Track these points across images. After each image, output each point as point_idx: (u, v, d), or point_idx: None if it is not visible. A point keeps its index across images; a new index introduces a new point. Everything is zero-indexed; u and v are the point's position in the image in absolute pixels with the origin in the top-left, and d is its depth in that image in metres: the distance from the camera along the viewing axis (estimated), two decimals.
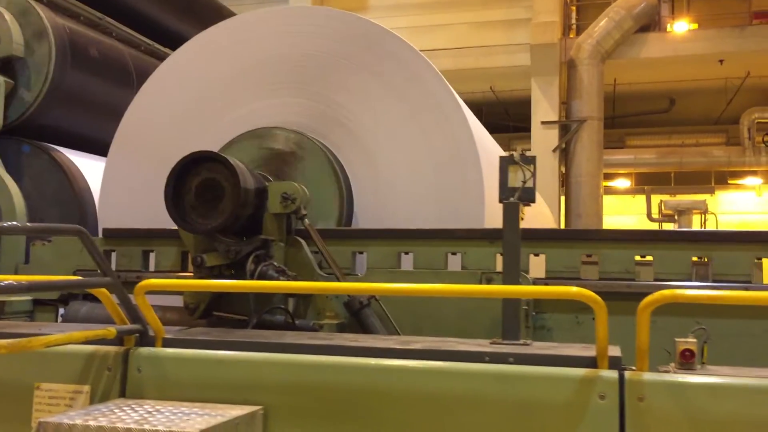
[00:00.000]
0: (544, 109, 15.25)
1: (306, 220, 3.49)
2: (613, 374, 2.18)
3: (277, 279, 3.29)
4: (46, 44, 4.61)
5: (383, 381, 2.35)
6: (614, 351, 2.30)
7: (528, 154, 2.75)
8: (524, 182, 2.69)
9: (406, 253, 3.58)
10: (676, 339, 2.45)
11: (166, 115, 4.49)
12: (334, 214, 3.98)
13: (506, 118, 20.19)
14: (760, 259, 3.17)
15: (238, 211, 3.37)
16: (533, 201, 2.76)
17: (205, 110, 4.41)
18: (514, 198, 2.71)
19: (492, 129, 19.35)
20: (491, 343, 2.58)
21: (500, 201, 2.76)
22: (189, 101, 4.45)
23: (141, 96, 4.56)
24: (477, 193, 3.90)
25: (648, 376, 2.16)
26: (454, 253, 3.50)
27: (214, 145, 4.09)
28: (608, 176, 19.89)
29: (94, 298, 3.97)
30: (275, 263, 3.36)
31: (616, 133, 19.63)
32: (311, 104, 4.20)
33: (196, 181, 3.47)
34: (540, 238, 3.41)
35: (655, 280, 3.27)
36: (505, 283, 2.73)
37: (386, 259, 3.58)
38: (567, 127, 15.27)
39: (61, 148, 4.77)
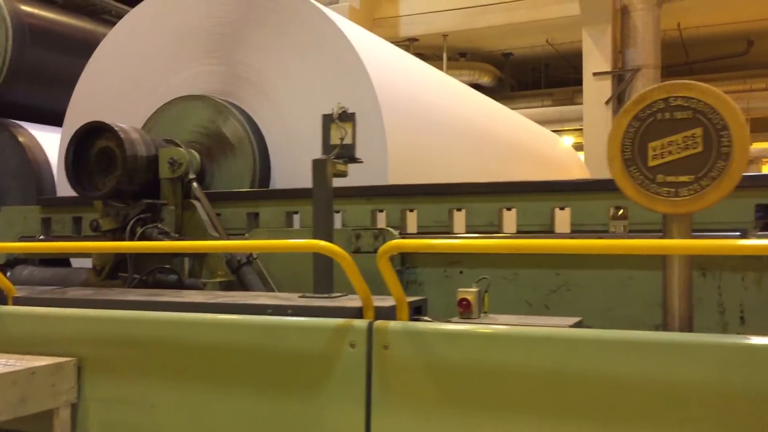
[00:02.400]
0: (596, 60, 14.71)
1: (194, 183, 3.63)
2: (363, 324, 2.22)
3: (158, 240, 3.46)
4: (2, 27, 4.91)
5: (183, 333, 2.49)
6: (383, 302, 2.33)
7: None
8: (342, 139, 2.72)
9: (296, 213, 3.67)
10: (459, 289, 2.46)
11: (110, 87, 4.71)
12: (248, 174, 4.10)
13: (571, 71, 19.59)
14: (619, 208, 3.07)
15: (126, 177, 3.55)
16: (353, 158, 2.78)
17: (141, 81, 4.60)
18: (332, 156, 2.75)
19: (555, 83, 18.84)
20: (299, 297, 2.66)
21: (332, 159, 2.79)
22: (128, 73, 4.65)
23: (88, 69, 4.80)
24: (380, 146, 3.92)
25: (393, 325, 2.19)
26: (337, 211, 3.56)
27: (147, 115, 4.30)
28: None
29: (35, 263, 4.30)
30: (160, 225, 3.53)
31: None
32: (228, 69, 4.31)
33: (95, 150, 3.68)
34: (410, 193, 3.42)
35: (519, 231, 3.23)
36: (315, 238, 2.78)
37: (276, 218, 3.68)
38: (622, 78, 14.69)
39: (26, 123, 5.08)
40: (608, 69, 14.65)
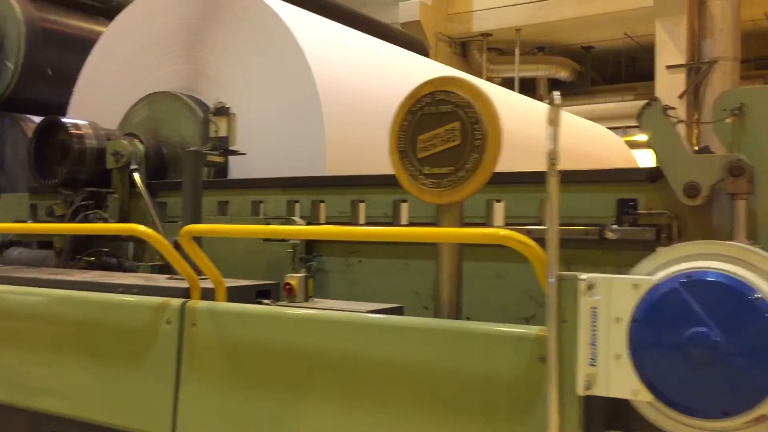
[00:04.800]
0: (669, 52, 14.16)
1: (136, 174, 3.91)
2: (178, 303, 2.40)
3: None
4: (17, 29, 5.39)
5: (40, 307, 2.74)
6: (208, 284, 2.50)
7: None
8: (216, 132, 2.90)
9: (226, 203, 3.88)
10: (286, 275, 2.60)
11: (103, 84, 5.10)
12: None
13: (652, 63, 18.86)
14: (500, 201, 3.09)
15: (76, 167, 3.88)
16: (229, 150, 2.95)
17: (126, 79, 4.95)
18: (207, 148, 2.93)
19: (642, 76, 18.17)
20: (167, 279, 2.87)
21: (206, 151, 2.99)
22: (116, 71, 5.02)
23: (86, 68, 5.21)
24: (318, 139, 4.07)
25: (201, 305, 2.36)
26: (261, 202, 3.75)
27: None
28: None
29: (24, 245, 4.72)
30: (101, 212, 3.83)
31: None
32: (193, 68, 4.58)
33: (54, 142, 4.03)
34: (318, 185, 3.56)
35: (411, 223, 3.31)
36: (185, 223, 2.97)
37: (210, 207, 3.90)
38: (698, 71, 14.08)
39: (38, 118, 5.54)
40: (683, 62, 14.08)
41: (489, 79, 18.80)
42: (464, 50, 18.56)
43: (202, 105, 4.47)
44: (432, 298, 3.25)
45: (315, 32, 4.60)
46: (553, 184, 1.56)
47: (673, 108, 2.59)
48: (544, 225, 2.97)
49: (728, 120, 2.53)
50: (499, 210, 3.10)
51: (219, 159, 2.98)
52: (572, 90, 19.51)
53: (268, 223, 3.53)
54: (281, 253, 3.50)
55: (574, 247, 2.87)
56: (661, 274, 1.51)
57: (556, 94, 1.54)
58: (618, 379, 1.53)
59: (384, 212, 3.37)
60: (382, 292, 3.31)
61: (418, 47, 11.53)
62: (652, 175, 2.69)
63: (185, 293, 2.49)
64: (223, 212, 3.89)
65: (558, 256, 1.58)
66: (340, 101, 4.26)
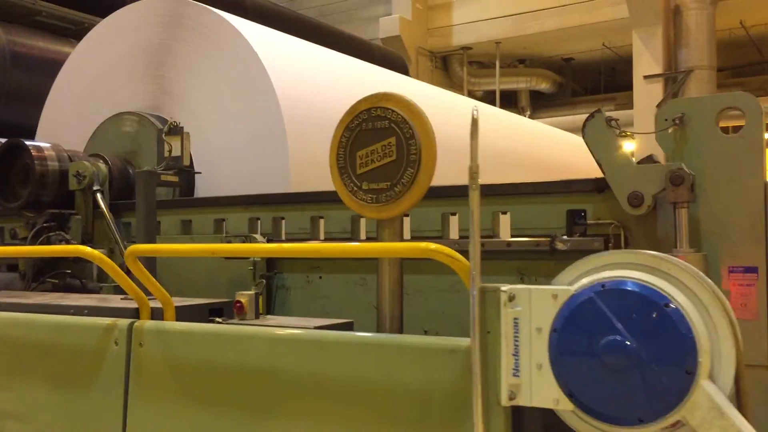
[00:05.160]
0: (646, 62, 14.29)
1: (99, 195, 3.92)
2: (125, 323, 2.40)
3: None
4: None
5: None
6: (157, 304, 2.51)
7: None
8: (170, 152, 2.92)
9: (189, 221, 3.89)
10: (237, 292, 2.61)
11: (69, 104, 5.11)
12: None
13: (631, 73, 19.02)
14: (455, 214, 3.12)
15: (38, 190, 3.88)
16: (182, 169, 2.97)
17: (93, 99, 4.96)
18: (161, 167, 2.95)
19: (622, 86, 18.25)
20: (121, 299, 2.87)
21: (157, 170, 3.00)
22: (84, 91, 5.03)
23: (54, 87, 5.22)
24: (282, 159, 4.09)
25: (147, 324, 2.36)
26: (223, 220, 3.76)
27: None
28: None
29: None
30: (63, 234, 3.83)
31: (756, 81, 17.82)
32: (158, 87, 4.60)
33: (17, 165, 4.04)
34: (279, 202, 3.57)
35: (369, 238, 3.32)
36: (138, 242, 2.98)
37: (174, 226, 3.91)
38: (675, 81, 14.22)
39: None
40: (660, 71, 14.21)
41: (470, 92, 18.90)
42: (445, 64, 18.66)
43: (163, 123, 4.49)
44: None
45: (279, 50, 4.64)
46: (474, 197, 1.59)
47: (616, 119, 2.63)
48: (498, 237, 3.02)
49: (670, 130, 2.57)
50: (453, 223, 3.12)
51: (173, 178, 2.99)
52: (554, 101, 19.65)
53: (228, 241, 3.55)
54: (242, 270, 3.51)
55: (528, 258, 2.90)
56: (579, 284, 1.54)
57: (475, 110, 1.56)
58: (540, 388, 1.55)
59: (342, 228, 3.39)
60: (342, 306, 3.32)
61: (397, 62, 11.60)
62: (600, 186, 2.73)
63: (135, 313, 2.50)
64: (186, 231, 3.90)
65: (480, 269, 1.59)
66: (303, 120, 4.29)
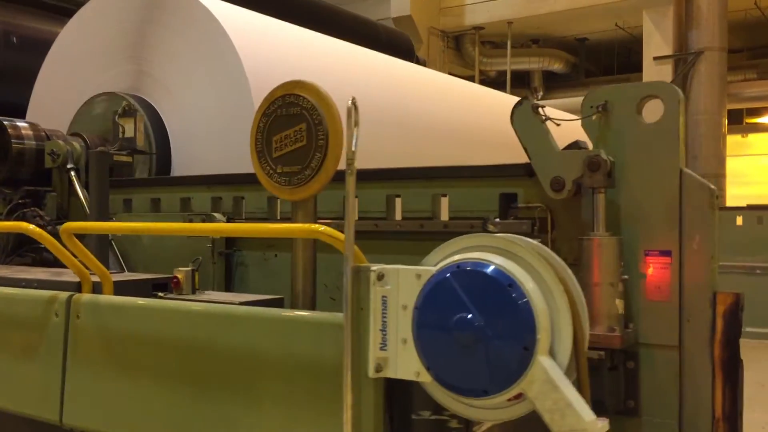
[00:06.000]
0: (657, 43, 14.23)
1: (73, 173, 4.06)
2: (65, 296, 2.54)
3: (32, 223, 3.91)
4: None
5: None
6: (96, 279, 2.64)
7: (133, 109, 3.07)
8: (123, 133, 3.05)
9: (159, 200, 4.03)
10: (175, 269, 2.74)
11: (57, 84, 5.26)
12: (146, 163, 4.50)
13: None
14: (398, 196, 3.21)
15: (14, 167, 4.04)
16: (136, 150, 3.10)
17: (79, 79, 5.11)
18: (114, 148, 3.08)
19: (633, 68, 18.10)
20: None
21: (113, 151, 3.13)
22: (70, 71, 5.18)
23: (44, 67, 5.37)
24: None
25: (84, 297, 2.50)
26: (189, 198, 3.89)
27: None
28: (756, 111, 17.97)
29: None
30: (38, 210, 3.99)
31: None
32: (138, 68, 4.73)
33: None
34: (239, 182, 3.68)
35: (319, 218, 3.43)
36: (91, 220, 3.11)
37: (144, 204, 4.06)
38: (685, 62, 14.10)
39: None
40: (670, 53, 14.11)
41: (482, 72, 18.87)
42: (458, 44, 18.62)
43: (146, 105, 4.62)
44: (338, 288, 3.39)
45: (254, 32, 4.73)
46: (350, 182, 1.69)
47: (543, 106, 2.70)
48: (438, 219, 3.12)
49: (594, 117, 2.64)
50: (398, 205, 3.22)
51: (126, 159, 3.12)
52: (567, 82, 19.56)
53: (190, 220, 3.68)
54: (202, 247, 3.65)
55: None
56: (440, 265, 1.64)
57: (352, 99, 1.66)
58: (404, 362, 1.66)
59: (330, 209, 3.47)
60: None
61: (403, 44, 11.60)
62: (530, 171, 2.80)
63: (78, 287, 2.64)
64: (156, 209, 4.03)
65: (353, 249, 1.70)
66: None
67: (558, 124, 2.71)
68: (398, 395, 1.74)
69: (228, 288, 3.64)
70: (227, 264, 3.67)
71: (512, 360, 1.51)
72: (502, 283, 1.54)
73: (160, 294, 2.79)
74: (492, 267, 1.56)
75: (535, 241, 1.64)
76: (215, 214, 3.62)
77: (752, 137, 19.52)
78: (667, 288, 2.50)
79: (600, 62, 19.96)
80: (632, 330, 2.53)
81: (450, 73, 18.15)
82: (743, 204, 11.18)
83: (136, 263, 3.88)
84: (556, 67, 18.95)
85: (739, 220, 10.14)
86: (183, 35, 4.54)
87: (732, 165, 17.18)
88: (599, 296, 2.48)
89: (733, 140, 18.13)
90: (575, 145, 2.71)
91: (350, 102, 1.67)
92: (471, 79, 18.19)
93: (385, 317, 1.68)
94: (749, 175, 18.53)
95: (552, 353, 1.53)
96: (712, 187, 2.48)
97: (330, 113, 2.08)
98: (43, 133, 4.20)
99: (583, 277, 2.53)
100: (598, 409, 2.54)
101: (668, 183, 2.51)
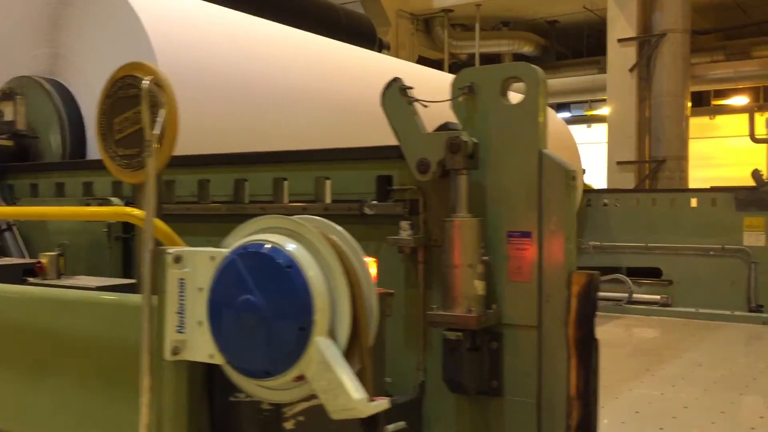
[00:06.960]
0: (621, 26, 14.20)
1: None
2: None
3: None
4: None
5: None
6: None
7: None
8: (2, 118, 3.01)
9: (63, 184, 4.00)
10: (40, 254, 2.72)
11: None
12: (58, 148, 4.46)
13: None
14: (285, 180, 3.20)
15: None
16: (16, 133, 3.06)
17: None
18: None
19: (603, 50, 18.11)
20: None
21: None
22: None
23: None
24: None
25: None
26: (91, 183, 3.87)
27: None
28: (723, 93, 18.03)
29: None
30: None
31: (739, 44, 17.61)
32: (53, 51, 4.68)
33: None
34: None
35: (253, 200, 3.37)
36: None
37: (50, 189, 4.03)
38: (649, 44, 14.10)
39: None
40: (634, 35, 14.10)
41: (453, 55, 18.80)
42: (427, 27, 18.53)
43: (61, 89, 4.58)
44: None
45: (168, 13, 4.68)
46: (150, 164, 1.68)
47: (411, 88, 2.69)
48: (321, 202, 3.11)
49: (461, 98, 2.63)
50: (285, 188, 3.21)
51: (7, 143, 3.09)
52: (537, 65, 19.46)
53: (87, 204, 3.65)
54: (99, 232, 3.63)
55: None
56: (232, 247, 1.63)
57: (147, 80, 1.64)
58: (200, 344, 1.65)
59: (226, 192, 3.43)
60: None
61: (364, 26, 11.50)
62: (401, 153, 2.80)
63: None
64: (60, 194, 4.00)
65: (153, 231, 1.69)
66: (185, 82, 4.35)
67: (426, 106, 2.70)
68: (221, 377, 1.73)
69: (127, 274, 3.62)
70: (125, 248, 3.66)
71: (290, 341, 1.51)
72: (281, 265, 1.53)
73: (31, 279, 2.77)
74: (274, 248, 1.55)
75: (329, 223, 1.64)
76: (113, 199, 3.59)
77: (719, 119, 19.57)
78: (528, 269, 2.51)
79: (570, 45, 19.91)
80: (494, 311, 2.54)
81: (420, 57, 18.10)
82: (708, 186, 11.23)
83: (42, 249, 3.84)
84: (527, 49, 18.90)
85: (694, 202, 10.19)
86: (93, 15, 4.49)
87: (699, 147, 17.28)
88: (458, 278, 2.48)
89: (700, 122, 18.19)
90: (444, 127, 2.71)
91: (147, 82, 1.65)
92: (441, 62, 18.14)
93: (182, 300, 1.67)
94: (716, 157, 18.59)
95: (333, 335, 1.53)
96: (570, 168, 2.48)
97: (167, 95, 2.06)
98: None
99: (444, 258, 2.54)
100: (458, 389, 2.57)
101: (528, 164, 2.51)
